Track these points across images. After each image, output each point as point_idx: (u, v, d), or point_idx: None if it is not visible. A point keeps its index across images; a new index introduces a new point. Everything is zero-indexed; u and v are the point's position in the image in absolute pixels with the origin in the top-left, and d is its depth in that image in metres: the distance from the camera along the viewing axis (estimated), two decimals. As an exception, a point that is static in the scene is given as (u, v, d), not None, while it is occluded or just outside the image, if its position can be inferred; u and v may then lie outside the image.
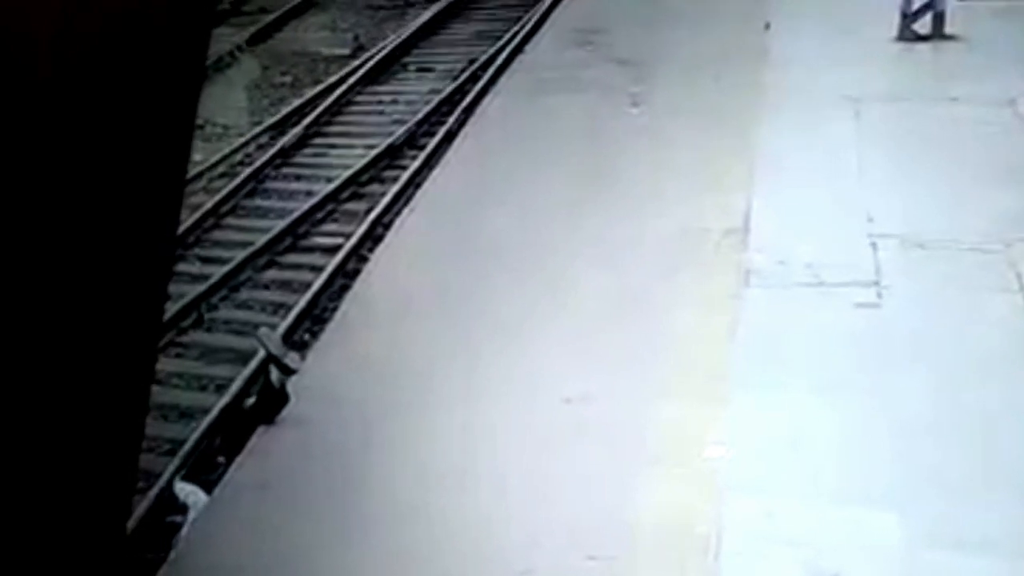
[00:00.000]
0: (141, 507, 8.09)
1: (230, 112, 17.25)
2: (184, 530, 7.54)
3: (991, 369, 7.71)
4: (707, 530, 6.45)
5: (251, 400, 8.54)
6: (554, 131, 12.47)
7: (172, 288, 9.66)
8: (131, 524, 7.68)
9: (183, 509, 8.07)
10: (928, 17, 13.91)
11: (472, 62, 17.57)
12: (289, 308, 10.97)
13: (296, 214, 13.08)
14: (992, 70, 12.62)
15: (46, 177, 4.14)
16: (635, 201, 10.42)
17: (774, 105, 12.20)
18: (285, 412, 8.08)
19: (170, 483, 8.45)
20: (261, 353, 8.82)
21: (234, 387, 9.58)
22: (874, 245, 9.18)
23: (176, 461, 8.64)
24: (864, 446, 7.06)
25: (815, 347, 8.03)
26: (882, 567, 6.15)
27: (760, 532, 6.43)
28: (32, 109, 4.03)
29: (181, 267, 11.99)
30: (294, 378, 8.49)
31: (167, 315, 10.40)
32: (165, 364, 10.13)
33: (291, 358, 8.27)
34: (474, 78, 16.65)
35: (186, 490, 8.20)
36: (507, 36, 18.01)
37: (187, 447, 8.79)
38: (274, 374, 8.13)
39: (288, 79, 18.57)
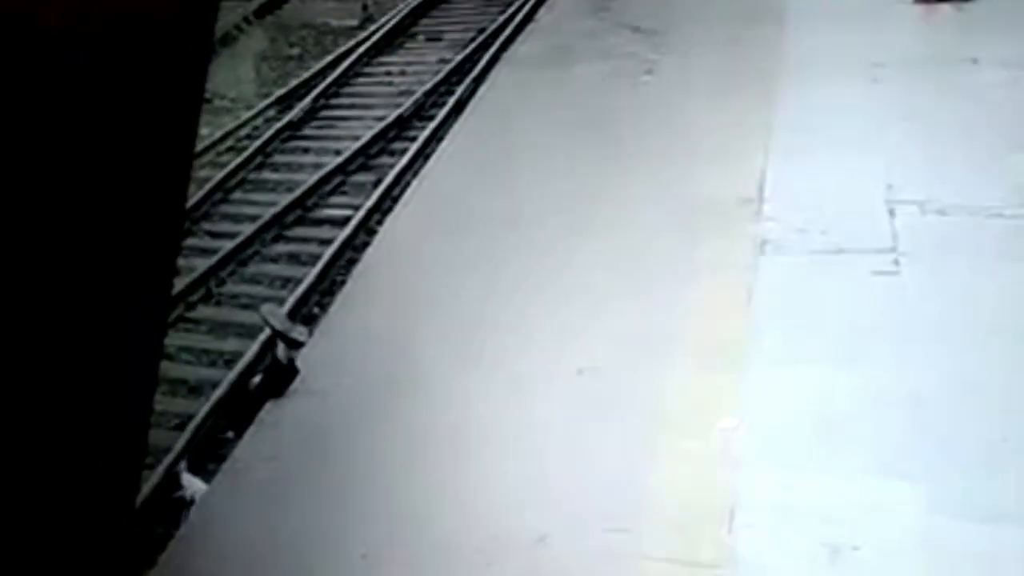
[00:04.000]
0: (150, 482, 8.15)
1: (238, 85, 17.31)
2: (193, 508, 7.59)
3: (1011, 338, 7.66)
4: (721, 502, 6.47)
5: (258, 378, 8.59)
6: (566, 101, 12.46)
7: (180, 263, 9.73)
8: (140, 499, 7.78)
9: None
10: (949, -24, 13.82)
11: (482, 31, 17.56)
12: (298, 282, 11.00)
13: (304, 187, 13.11)
14: (1014, 30, 12.52)
15: (55, 153, 4.17)
16: (649, 170, 10.41)
17: (791, 70, 12.15)
18: (295, 385, 8.14)
19: (177, 460, 8.51)
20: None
21: (242, 362, 9.62)
22: (892, 212, 9.15)
23: (185, 436, 8.69)
24: (883, 417, 7.02)
25: (832, 316, 8.01)
26: (901, 539, 6.13)
27: (776, 504, 6.43)
28: (39, 85, 4.06)
29: (189, 242, 12.07)
30: (304, 351, 8.57)
31: (175, 290, 10.47)
32: (174, 339, 10.22)
33: (298, 331, 8.32)
34: (484, 47, 16.64)
35: (193, 484, 8.27)
36: (517, 4, 17.99)
37: (195, 422, 8.84)
38: (281, 348, 8.17)
39: (296, 51, 18.62)
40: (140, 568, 7.07)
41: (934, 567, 5.96)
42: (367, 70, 17.13)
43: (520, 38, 15.17)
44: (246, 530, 6.91)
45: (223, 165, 14.06)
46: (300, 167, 14.17)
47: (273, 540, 6.76)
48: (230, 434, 8.61)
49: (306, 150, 14.77)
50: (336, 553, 6.60)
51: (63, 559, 4.87)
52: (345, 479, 7.14)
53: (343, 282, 10.26)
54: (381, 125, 14.62)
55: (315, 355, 8.50)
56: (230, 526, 7.01)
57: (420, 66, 16.94)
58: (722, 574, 6.02)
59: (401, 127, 14.71)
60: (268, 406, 8.13)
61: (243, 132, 15.43)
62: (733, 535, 6.24)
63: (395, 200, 11.89)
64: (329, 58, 17.40)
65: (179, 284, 10.78)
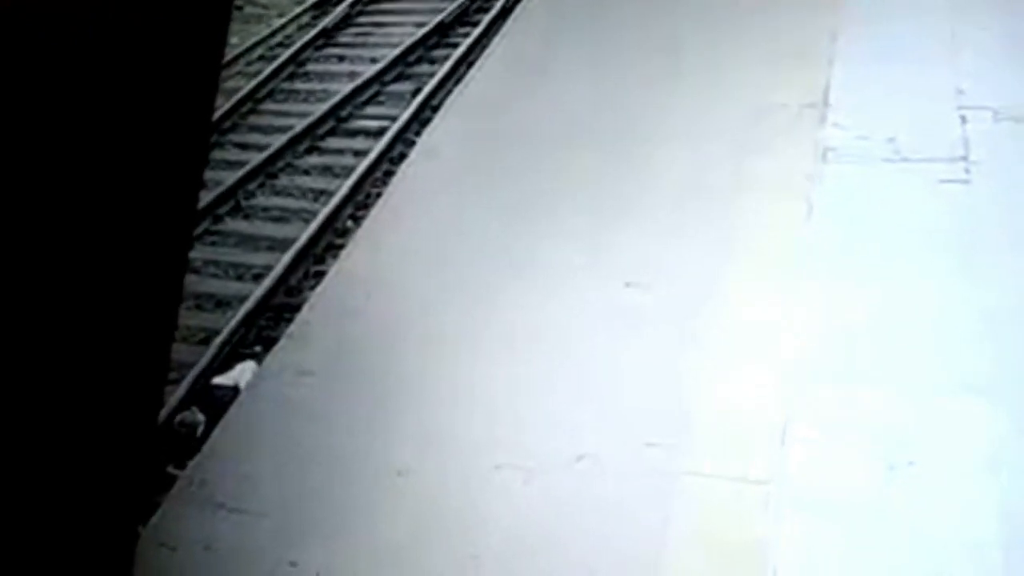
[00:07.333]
0: (174, 398, 8.29)
1: (270, -9, 17.34)
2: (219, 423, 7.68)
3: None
4: (774, 418, 6.53)
5: None
6: (620, 5, 12.42)
7: (208, 175, 9.83)
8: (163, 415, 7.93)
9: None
10: None
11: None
12: (331, 194, 11.09)
13: (338, 97, 13.17)
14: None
15: (77, 60, 4.24)
16: (709, 74, 10.38)
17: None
18: (328, 299, 8.26)
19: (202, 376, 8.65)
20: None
21: (271, 276, 9.72)
22: (963, 118, 9.09)
23: (211, 351, 8.83)
24: (951, 333, 7.03)
25: (897, 226, 7.99)
26: (962, 456, 6.17)
27: (832, 420, 6.47)
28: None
29: (217, 154, 12.16)
30: (337, 264, 8.70)
31: (203, 203, 10.59)
32: (201, 252, 10.34)
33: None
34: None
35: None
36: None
37: (221, 337, 8.97)
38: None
39: (333, -45, 18.56)
40: (160, 487, 7.23)
41: (1003, 486, 5.99)
42: (408, -26, 17.09)
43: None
44: (277, 446, 7.01)
45: (253, 75, 14.14)
46: (334, 76, 14.23)
47: (305, 455, 6.87)
48: (257, 349, 8.74)
49: (341, 58, 14.81)
50: (371, 470, 6.71)
51: (81, 477, 4.99)
52: (380, 396, 7.23)
53: (379, 195, 10.31)
54: (421, 32, 14.63)
55: (349, 269, 8.61)
56: (259, 441, 7.12)
57: (465, -31, 16.86)
58: (771, 490, 6.10)
59: (443, 34, 14.71)
60: (298, 318, 8.26)
61: (275, 40, 15.51)
62: (785, 450, 6.31)
63: (435, 110, 11.93)
64: (368, -39, 17.34)
65: (206, 197, 10.89)
